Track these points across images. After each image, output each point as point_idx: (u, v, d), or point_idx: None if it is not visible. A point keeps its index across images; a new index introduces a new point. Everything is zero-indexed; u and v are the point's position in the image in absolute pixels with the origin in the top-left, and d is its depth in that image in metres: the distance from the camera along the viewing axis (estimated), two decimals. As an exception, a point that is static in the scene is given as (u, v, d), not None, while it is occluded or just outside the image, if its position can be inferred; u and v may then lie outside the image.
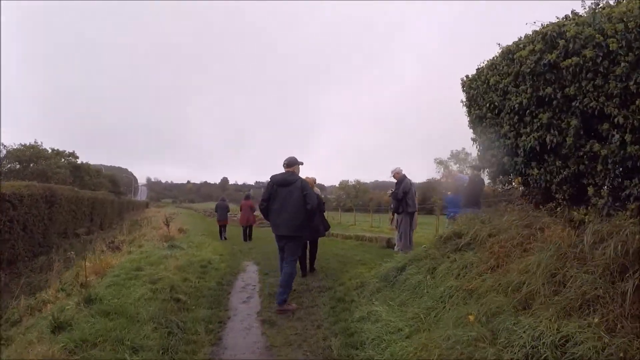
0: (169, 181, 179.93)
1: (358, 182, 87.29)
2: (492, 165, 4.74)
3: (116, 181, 43.73)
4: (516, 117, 4.10)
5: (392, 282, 4.76)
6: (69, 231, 15.04)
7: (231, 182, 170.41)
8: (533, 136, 3.84)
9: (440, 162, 71.40)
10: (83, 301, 4.08)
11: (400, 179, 7.98)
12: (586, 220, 3.15)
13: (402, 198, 7.78)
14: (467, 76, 5.19)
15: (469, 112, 5.15)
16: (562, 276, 2.85)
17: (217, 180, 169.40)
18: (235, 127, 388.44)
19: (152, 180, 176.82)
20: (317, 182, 8.68)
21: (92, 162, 37.28)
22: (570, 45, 3.34)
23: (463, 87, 5.26)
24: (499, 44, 4.49)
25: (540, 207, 3.99)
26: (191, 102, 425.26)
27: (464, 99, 5.26)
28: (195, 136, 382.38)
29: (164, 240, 10.12)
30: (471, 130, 5.18)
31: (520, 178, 4.28)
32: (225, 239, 13.35)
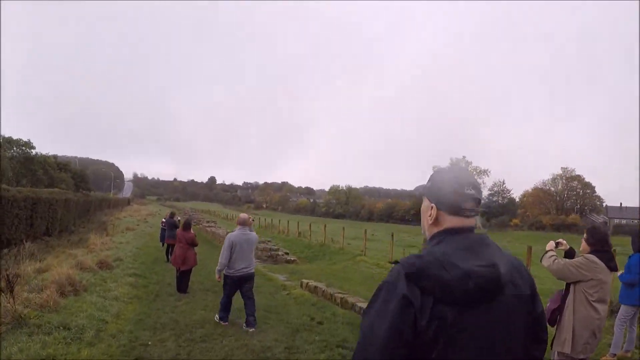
0: (156, 178, 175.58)
1: (349, 188, 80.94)
2: None
3: (85, 176, 38.48)
4: None
5: None
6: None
7: (219, 181, 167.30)
8: None
9: (438, 171, 61.76)
10: None
11: None
12: None
13: None
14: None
15: None
16: None
17: (205, 179, 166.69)
18: (223, 123, 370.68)
19: (139, 175, 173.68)
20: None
21: (70, 154, 32.69)
22: None
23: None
24: None
25: None
26: (179, 94, 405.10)
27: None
28: (184, 131, 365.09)
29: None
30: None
31: None
32: (168, 260, 10.59)
